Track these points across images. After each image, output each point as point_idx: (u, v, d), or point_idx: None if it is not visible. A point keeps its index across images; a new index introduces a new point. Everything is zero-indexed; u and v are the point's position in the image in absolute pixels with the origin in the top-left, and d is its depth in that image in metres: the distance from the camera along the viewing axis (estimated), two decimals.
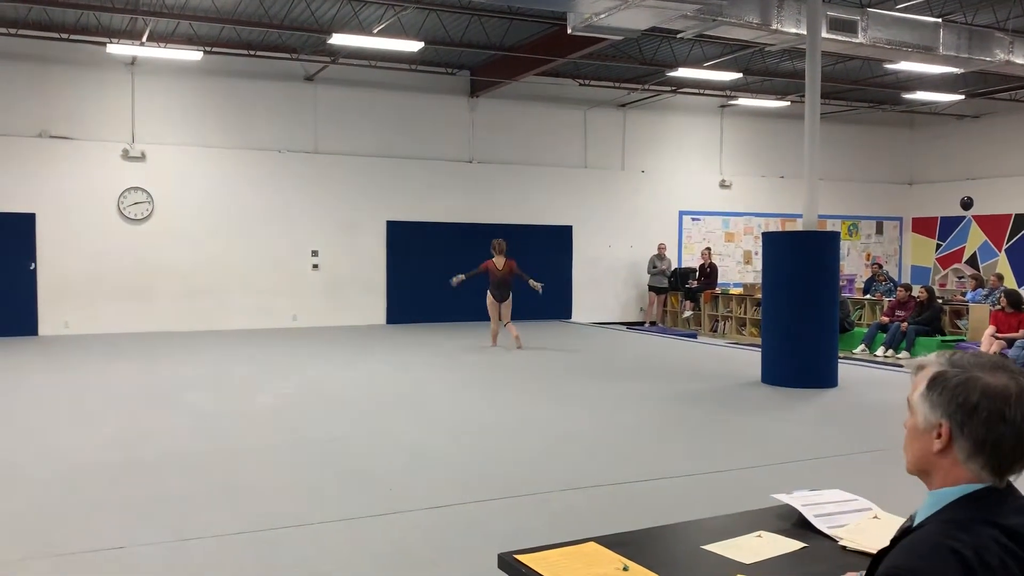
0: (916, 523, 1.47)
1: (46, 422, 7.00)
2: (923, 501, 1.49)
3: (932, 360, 1.51)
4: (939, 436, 1.45)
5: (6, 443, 6.24)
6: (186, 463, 5.65)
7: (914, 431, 1.51)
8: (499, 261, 11.95)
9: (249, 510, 4.66)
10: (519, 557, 2.13)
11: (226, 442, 6.30)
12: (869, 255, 19.99)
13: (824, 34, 10.18)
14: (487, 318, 12.30)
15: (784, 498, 2.48)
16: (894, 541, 1.47)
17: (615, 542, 2.24)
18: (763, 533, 2.24)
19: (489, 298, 12.13)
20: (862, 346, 13.27)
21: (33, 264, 13.40)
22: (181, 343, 12.51)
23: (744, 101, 17.31)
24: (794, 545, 2.18)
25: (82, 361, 10.64)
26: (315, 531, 4.35)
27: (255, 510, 4.66)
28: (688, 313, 16.89)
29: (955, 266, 19.50)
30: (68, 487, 5.09)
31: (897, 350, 12.83)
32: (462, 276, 12.04)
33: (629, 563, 2.08)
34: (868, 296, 15.44)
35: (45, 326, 13.50)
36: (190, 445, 6.18)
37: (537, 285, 11.99)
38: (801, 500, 2.43)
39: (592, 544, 2.22)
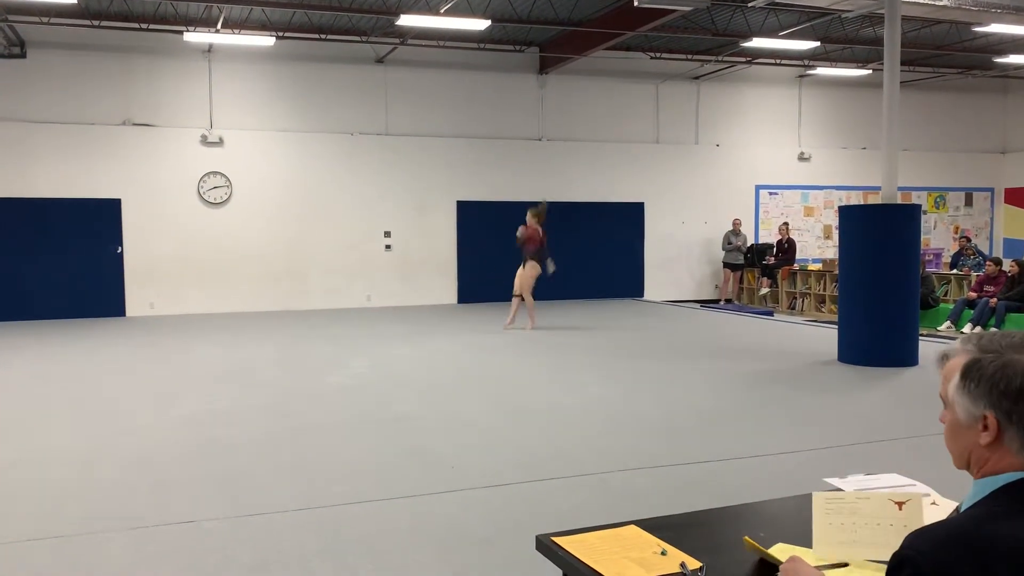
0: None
1: (128, 400, 7.28)
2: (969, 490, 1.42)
3: (958, 348, 1.42)
4: (985, 428, 1.37)
5: (89, 420, 6.52)
6: (257, 441, 5.81)
7: (955, 427, 1.43)
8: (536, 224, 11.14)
9: (314, 487, 4.76)
10: (556, 540, 2.11)
11: (297, 421, 6.44)
12: (957, 228, 19.16)
13: None
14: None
15: (837, 482, 2.39)
16: None
17: (656, 526, 2.20)
18: None
19: (538, 269, 11.29)
20: (947, 323, 12.76)
21: (120, 248, 13.93)
22: (259, 323, 12.85)
23: (823, 70, 16.72)
24: None
25: (165, 341, 11.03)
26: (376, 508, 4.41)
27: (320, 487, 4.76)
28: (765, 290, 16.52)
29: None
30: (144, 462, 5.29)
31: (985, 327, 12.28)
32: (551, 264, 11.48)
33: (668, 547, 2.03)
34: (955, 271, 14.82)
35: (132, 307, 14.05)
36: (262, 423, 6.34)
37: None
38: (854, 485, 2.34)
39: (632, 527, 2.18)
